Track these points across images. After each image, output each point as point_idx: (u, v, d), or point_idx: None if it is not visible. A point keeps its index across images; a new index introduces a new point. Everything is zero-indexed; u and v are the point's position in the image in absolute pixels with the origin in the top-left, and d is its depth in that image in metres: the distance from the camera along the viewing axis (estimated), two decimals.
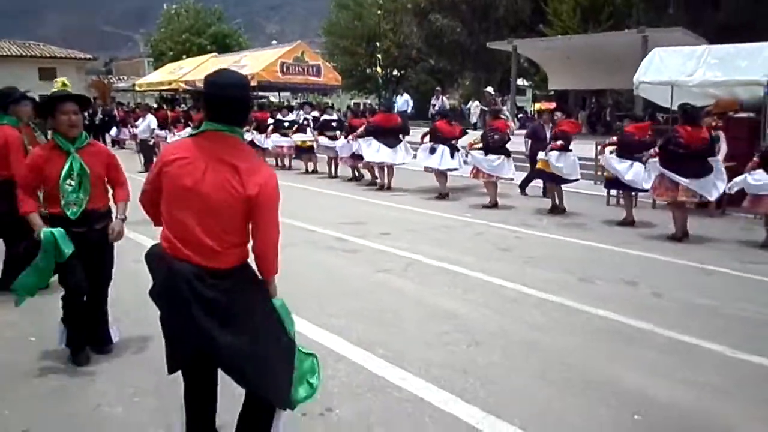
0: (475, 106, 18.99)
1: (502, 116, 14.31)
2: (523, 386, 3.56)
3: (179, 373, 2.49)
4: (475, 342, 4.19)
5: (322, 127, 13.32)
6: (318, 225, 8.00)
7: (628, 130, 8.49)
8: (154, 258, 2.40)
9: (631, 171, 8.10)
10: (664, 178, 7.47)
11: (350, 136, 11.81)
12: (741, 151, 8.82)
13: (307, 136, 13.81)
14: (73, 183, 3.60)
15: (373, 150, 11.09)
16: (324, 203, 10.21)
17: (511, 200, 10.19)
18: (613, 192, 9.70)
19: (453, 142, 10.45)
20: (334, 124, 13.36)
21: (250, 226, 2.36)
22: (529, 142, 10.44)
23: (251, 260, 2.48)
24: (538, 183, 10.45)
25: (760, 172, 7.13)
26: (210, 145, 2.31)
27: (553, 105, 12.16)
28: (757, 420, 3.25)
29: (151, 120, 14.40)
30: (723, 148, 9.20)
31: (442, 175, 10.47)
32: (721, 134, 9.22)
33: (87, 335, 3.81)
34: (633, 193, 8.65)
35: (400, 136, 11.25)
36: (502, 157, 9.43)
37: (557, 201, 9.26)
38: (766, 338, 4.37)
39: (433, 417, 3.18)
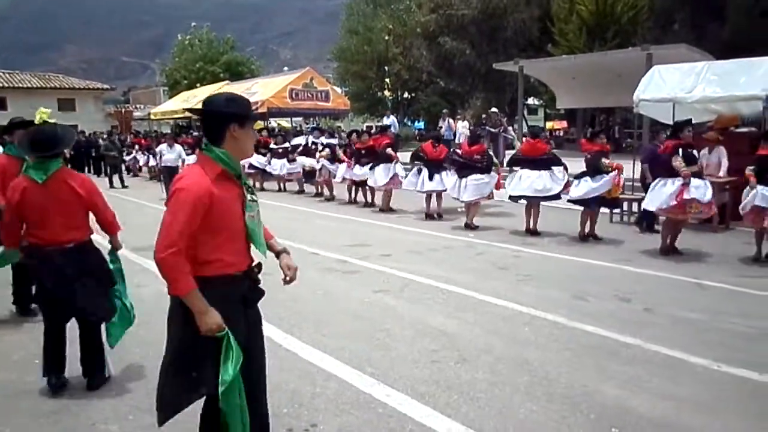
0: (462, 127, 19.22)
1: (507, 136, 14.35)
2: (505, 401, 3.65)
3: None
4: (462, 359, 4.29)
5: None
6: (321, 248, 8.16)
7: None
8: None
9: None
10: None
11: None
12: (743, 165, 8.84)
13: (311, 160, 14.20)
14: None
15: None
16: (330, 226, 10.39)
17: (514, 220, 10.26)
18: (616, 210, 9.88)
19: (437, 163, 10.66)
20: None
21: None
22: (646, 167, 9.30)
23: None
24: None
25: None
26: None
27: (564, 124, 12.20)
28: None
29: (180, 149, 14.69)
30: (724, 162, 9.28)
31: (427, 196, 10.88)
32: (722, 149, 9.30)
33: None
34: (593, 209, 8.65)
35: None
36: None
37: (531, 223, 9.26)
38: (753, 351, 4.41)
39: (413, 431, 3.28)
